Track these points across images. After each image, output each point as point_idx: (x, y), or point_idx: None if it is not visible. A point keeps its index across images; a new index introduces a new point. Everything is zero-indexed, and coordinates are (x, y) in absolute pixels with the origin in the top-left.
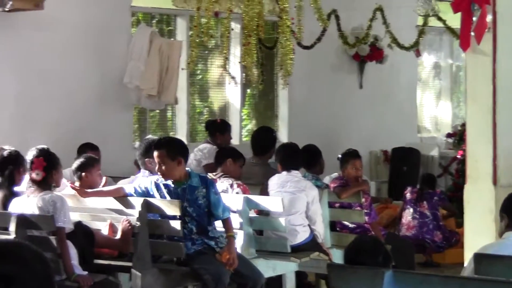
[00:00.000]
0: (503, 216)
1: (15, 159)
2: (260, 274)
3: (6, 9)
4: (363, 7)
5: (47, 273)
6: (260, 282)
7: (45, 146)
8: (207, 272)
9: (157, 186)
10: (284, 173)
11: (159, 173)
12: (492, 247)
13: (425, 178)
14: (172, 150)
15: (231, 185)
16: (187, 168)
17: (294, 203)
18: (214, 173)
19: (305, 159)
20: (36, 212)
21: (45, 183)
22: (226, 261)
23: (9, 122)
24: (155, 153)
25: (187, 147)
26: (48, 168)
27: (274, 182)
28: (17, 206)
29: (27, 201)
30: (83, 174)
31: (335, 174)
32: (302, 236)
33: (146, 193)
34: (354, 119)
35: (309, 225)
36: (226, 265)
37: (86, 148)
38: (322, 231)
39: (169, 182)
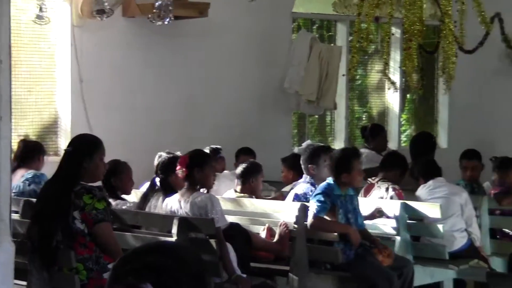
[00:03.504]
0: None
1: (167, 166)
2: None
3: (166, 23)
4: None
5: (201, 274)
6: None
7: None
8: (377, 275)
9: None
10: (430, 181)
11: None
12: None
13: None
14: None
15: (387, 189)
16: None
17: (449, 206)
18: (372, 178)
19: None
20: (189, 212)
21: (191, 182)
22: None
23: (176, 127)
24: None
25: None
26: (190, 166)
27: (423, 191)
28: (169, 205)
29: (178, 201)
30: (250, 179)
31: (487, 183)
32: (459, 242)
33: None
34: None
35: (466, 230)
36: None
37: (243, 152)
38: (478, 234)
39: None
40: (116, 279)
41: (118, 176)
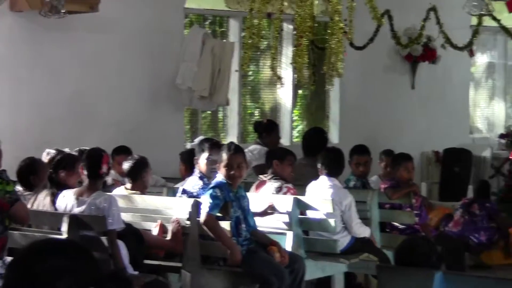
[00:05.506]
0: None
1: (56, 163)
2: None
3: (61, 16)
4: (416, 7)
5: (89, 269)
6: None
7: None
8: (269, 271)
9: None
10: (325, 178)
11: (236, 178)
12: None
13: (480, 187)
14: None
15: (280, 188)
16: None
17: None
18: (264, 175)
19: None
20: (86, 212)
21: (94, 181)
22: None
23: (64, 123)
24: (237, 157)
25: None
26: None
27: (312, 187)
28: (63, 202)
29: (75, 198)
30: (141, 175)
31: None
32: (342, 242)
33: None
34: (406, 120)
35: (346, 228)
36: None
37: (116, 153)
38: (363, 233)
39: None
40: None
41: (36, 174)
